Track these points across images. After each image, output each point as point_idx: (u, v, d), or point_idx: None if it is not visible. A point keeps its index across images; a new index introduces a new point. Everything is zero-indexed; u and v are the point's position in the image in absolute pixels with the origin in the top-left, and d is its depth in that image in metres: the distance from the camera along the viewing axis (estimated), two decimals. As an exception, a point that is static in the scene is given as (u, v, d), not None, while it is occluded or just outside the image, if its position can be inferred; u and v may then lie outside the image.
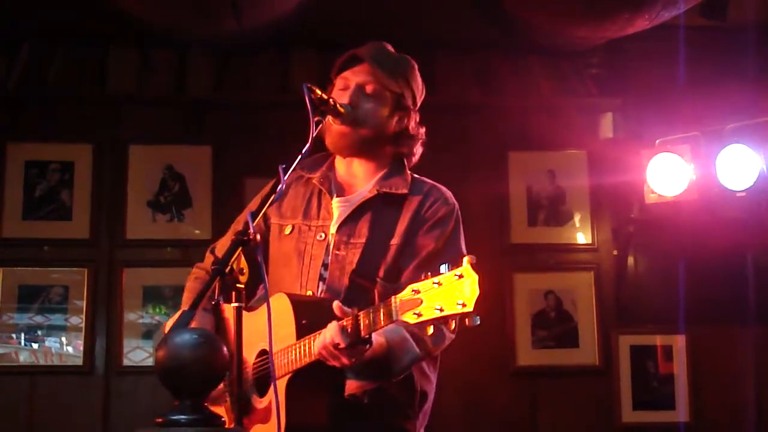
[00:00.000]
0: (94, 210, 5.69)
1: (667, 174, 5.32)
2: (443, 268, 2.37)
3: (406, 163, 3.20)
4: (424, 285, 2.39)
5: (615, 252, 5.94)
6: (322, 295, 3.00)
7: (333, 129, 3.04)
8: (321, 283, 3.02)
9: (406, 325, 2.53)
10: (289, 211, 3.19)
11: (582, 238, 5.96)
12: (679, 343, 5.83)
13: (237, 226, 3.30)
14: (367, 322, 2.59)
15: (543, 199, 5.97)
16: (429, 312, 2.37)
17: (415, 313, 2.40)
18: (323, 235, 3.07)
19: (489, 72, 5.98)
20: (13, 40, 5.72)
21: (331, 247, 3.04)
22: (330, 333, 2.65)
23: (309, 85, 2.86)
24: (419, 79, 3.22)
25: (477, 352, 5.45)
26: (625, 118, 6.03)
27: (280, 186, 2.70)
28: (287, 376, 2.82)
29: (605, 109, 6.06)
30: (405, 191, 3.09)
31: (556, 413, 5.76)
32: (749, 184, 5.04)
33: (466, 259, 2.35)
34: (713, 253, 5.51)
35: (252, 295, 3.07)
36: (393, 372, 2.83)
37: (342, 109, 2.98)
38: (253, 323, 2.81)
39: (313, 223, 3.11)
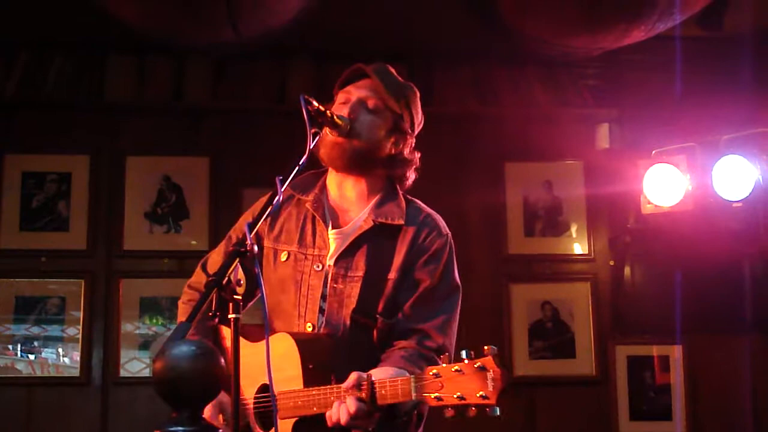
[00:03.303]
0: (91, 221, 5.69)
1: (663, 184, 5.33)
2: (464, 353, 2.42)
3: (399, 187, 3.17)
4: (444, 370, 2.44)
5: (612, 262, 5.95)
6: (322, 329, 2.99)
7: (328, 139, 3.01)
8: (320, 316, 3.00)
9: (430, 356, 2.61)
10: (283, 235, 3.15)
11: (579, 248, 5.96)
12: (675, 353, 5.84)
13: (229, 242, 3.25)
14: (383, 393, 2.61)
15: (540, 209, 5.97)
16: (450, 398, 2.42)
17: (435, 397, 2.45)
18: (320, 265, 3.04)
19: (486, 82, 5.99)
20: (10, 48, 5.73)
21: (329, 279, 3.02)
22: (350, 407, 2.64)
23: (306, 97, 2.84)
24: (419, 107, 3.20)
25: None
26: (621, 128, 6.04)
27: (277, 198, 2.68)
28: (294, 419, 2.82)
29: (602, 120, 6.07)
30: (401, 222, 3.06)
31: (553, 424, 5.76)
32: (745, 194, 5.04)
33: (487, 349, 2.39)
34: (710, 263, 5.51)
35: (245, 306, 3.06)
36: (396, 416, 2.81)
37: (339, 121, 2.96)
38: (255, 355, 2.79)
39: (309, 251, 3.08)
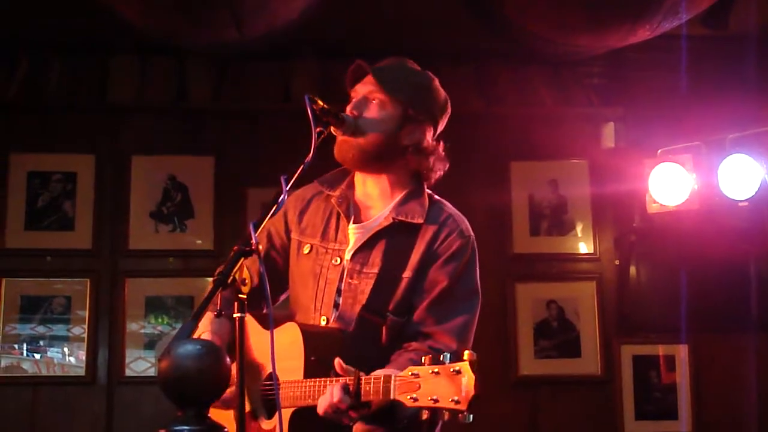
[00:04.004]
0: (96, 220, 5.70)
1: (668, 183, 5.33)
2: (444, 357, 2.39)
3: (425, 182, 3.14)
4: (423, 371, 2.41)
5: (617, 261, 5.94)
6: (334, 322, 2.99)
7: (338, 139, 3.01)
8: (335, 310, 3.00)
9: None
10: (309, 228, 3.16)
11: (584, 247, 5.96)
12: (681, 352, 5.83)
13: (267, 236, 3.25)
14: (368, 389, 2.59)
15: (545, 208, 5.97)
16: (424, 399, 2.39)
17: (411, 397, 2.42)
18: (339, 259, 3.04)
19: (491, 82, 5.99)
20: (13, 50, 5.74)
21: (345, 274, 3.02)
22: (334, 393, 2.63)
23: (311, 96, 2.84)
24: (439, 95, 3.16)
25: (479, 361, 5.44)
26: (626, 127, 6.03)
27: (281, 197, 2.68)
28: (292, 409, 2.83)
29: (607, 119, 6.06)
30: (420, 221, 3.03)
31: (558, 423, 5.75)
32: (751, 193, 5.05)
33: (466, 354, 2.37)
34: (715, 263, 5.51)
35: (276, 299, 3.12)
36: (398, 420, 2.77)
37: (344, 119, 2.96)
38: (268, 343, 2.81)
39: (330, 246, 3.08)
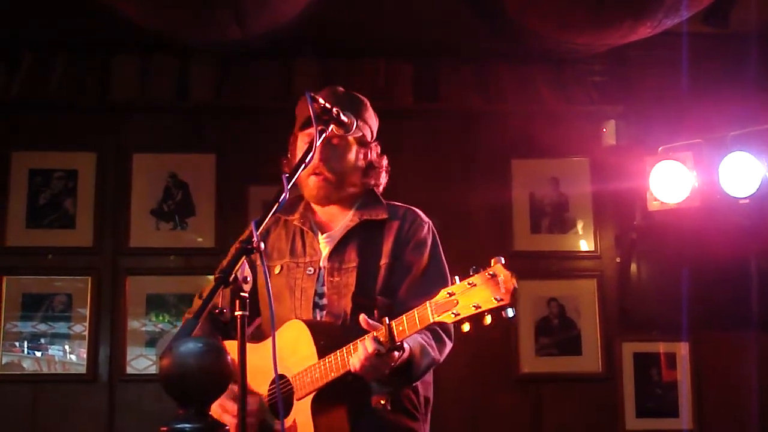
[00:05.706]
0: (97, 218, 5.70)
1: (669, 181, 5.33)
2: (471, 270, 2.56)
3: (376, 191, 3.33)
4: (458, 287, 2.59)
5: (618, 259, 5.94)
6: (324, 319, 3.14)
7: (310, 183, 3.17)
8: (318, 311, 3.15)
9: (433, 327, 2.77)
10: (275, 252, 3.31)
11: (585, 245, 5.95)
12: (682, 350, 5.83)
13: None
14: (401, 329, 2.73)
15: (546, 206, 5.97)
16: (466, 310, 2.55)
17: (452, 313, 2.57)
18: (312, 269, 3.21)
19: (492, 80, 5.98)
20: (15, 49, 5.73)
21: (324, 276, 3.18)
22: (367, 346, 2.76)
23: (312, 94, 2.87)
24: (372, 112, 3.32)
25: (481, 359, 5.46)
26: (627, 125, 6.02)
27: (283, 195, 2.70)
28: (312, 394, 2.92)
29: (608, 117, 6.05)
30: (385, 216, 3.24)
31: (560, 420, 5.75)
32: (752, 191, 5.05)
33: (494, 260, 2.56)
34: (716, 260, 5.50)
35: (252, 320, 3.18)
36: (413, 376, 2.97)
37: (346, 119, 2.98)
38: (265, 352, 2.85)
39: (300, 260, 3.24)
